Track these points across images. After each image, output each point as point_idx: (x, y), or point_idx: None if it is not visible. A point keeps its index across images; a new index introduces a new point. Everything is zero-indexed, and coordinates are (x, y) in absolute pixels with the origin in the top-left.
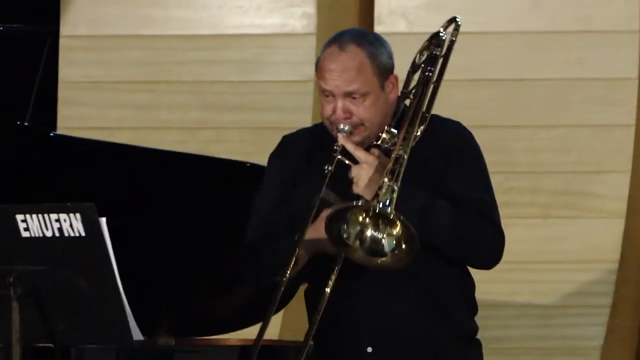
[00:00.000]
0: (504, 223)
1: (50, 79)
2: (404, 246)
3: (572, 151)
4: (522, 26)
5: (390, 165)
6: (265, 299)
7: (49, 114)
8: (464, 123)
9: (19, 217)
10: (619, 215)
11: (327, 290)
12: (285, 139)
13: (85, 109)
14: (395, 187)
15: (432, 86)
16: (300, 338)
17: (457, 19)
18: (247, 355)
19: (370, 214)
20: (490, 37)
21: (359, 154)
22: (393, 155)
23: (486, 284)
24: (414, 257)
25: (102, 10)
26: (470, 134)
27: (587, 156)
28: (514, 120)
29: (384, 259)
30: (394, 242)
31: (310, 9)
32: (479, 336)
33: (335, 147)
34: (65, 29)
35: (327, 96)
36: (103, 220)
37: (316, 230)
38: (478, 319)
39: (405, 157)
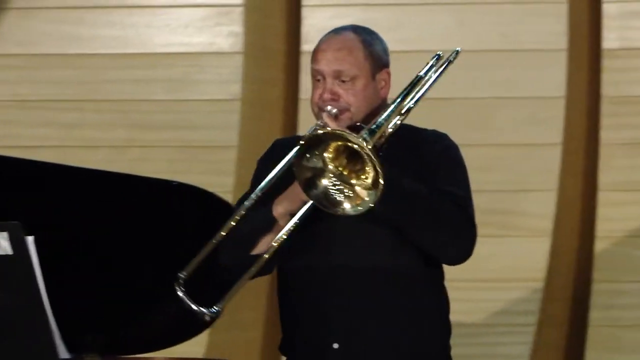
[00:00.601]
0: None
1: None
2: (369, 192)
3: (499, 170)
4: (448, 45)
5: (369, 126)
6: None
7: None
8: None
9: None
10: (545, 233)
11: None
12: (276, 142)
13: (12, 127)
14: (369, 139)
15: (419, 86)
16: (227, 356)
17: (458, 49)
18: None
19: (343, 150)
20: (417, 56)
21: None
22: (373, 121)
23: None
24: (378, 201)
25: (30, 29)
26: (451, 139)
27: (514, 175)
28: None
29: (348, 200)
30: (362, 186)
31: (238, 28)
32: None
33: (318, 123)
34: None
35: (318, 80)
36: (30, 239)
37: (292, 191)
38: None
39: (383, 122)
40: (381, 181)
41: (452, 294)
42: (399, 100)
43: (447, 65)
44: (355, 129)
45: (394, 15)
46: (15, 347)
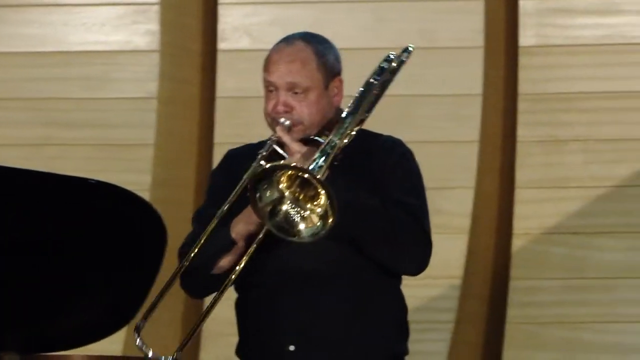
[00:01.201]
0: None
1: None
2: (324, 219)
3: None
4: (366, 42)
5: (322, 146)
6: (114, 315)
7: None
8: None
9: None
10: (462, 231)
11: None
12: (229, 153)
13: None
14: (324, 163)
15: (374, 93)
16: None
17: (410, 47)
18: None
19: (297, 178)
20: None
21: (294, 145)
22: (326, 139)
23: None
24: (332, 230)
25: None
26: (406, 146)
27: (432, 172)
28: None
29: (302, 229)
30: (316, 212)
31: (154, 26)
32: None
33: (271, 137)
34: None
35: (271, 91)
36: None
37: (247, 213)
38: None
39: (337, 142)
40: (333, 212)
41: None
42: (352, 112)
43: (401, 65)
44: (309, 142)
45: (312, 13)
46: None
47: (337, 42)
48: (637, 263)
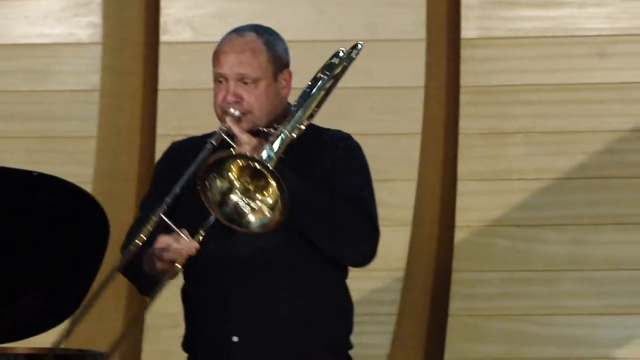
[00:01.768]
0: None
1: None
2: (274, 210)
3: None
4: (309, 35)
5: (272, 138)
6: (57, 307)
7: None
8: None
9: None
10: (405, 223)
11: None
12: (173, 145)
13: None
14: (274, 154)
15: (323, 88)
16: (88, 346)
17: (359, 44)
18: None
19: (247, 168)
20: None
21: (244, 136)
22: (276, 131)
23: None
24: (283, 220)
25: None
26: (354, 140)
27: (374, 164)
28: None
29: (251, 220)
30: (266, 203)
31: (96, 19)
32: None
33: (220, 127)
34: None
35: (220, 82)
36: None
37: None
38: None
39: (287, 133)
40: (284, 203)
41: None
42: (303, 106)
43: (350, 62)
44: (257, 133)
45: (255, 5)
46: None
47: (281, 35)
48: (581, 256)
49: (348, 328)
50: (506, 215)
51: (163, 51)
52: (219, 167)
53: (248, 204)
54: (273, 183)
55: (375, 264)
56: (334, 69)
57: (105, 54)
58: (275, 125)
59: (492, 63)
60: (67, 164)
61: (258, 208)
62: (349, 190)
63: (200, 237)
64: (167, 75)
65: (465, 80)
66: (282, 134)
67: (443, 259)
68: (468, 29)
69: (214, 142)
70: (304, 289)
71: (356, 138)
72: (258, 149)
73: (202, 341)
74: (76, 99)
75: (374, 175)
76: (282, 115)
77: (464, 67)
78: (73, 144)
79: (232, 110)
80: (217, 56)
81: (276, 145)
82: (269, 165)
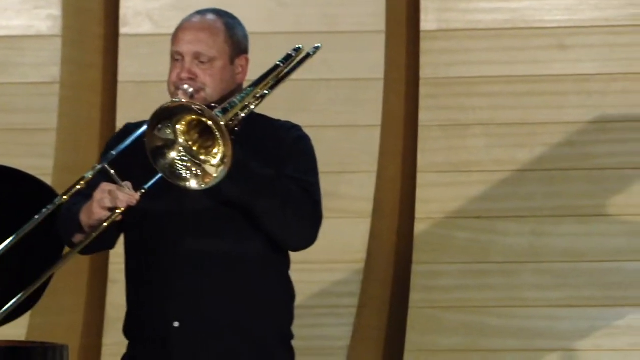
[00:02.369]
0: None
1: None
2: (217, 168)
3: (318, 152)
4: (267, 27)
5: (223, 105)
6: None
7: None
8: None
9: None
10: (365, 215)
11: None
12: (127, 125)
13: None
14: (222, 116)
15: (277, 74)
16: (48, 339)
17: (318, 45)
18: None
19: (195, 125)
20: None
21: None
22: (227, 101)
23: None
24: (225, 178)
25: None
26: (303, 130)
27: (333, 157)
28: None
29: (194, 178)
30: (210, 162)
31: (56, 11)
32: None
33: (173, 100)
34: None
35: (177, 60)
36: None
37: (89, 207)
38: None
39: (237, 102)
40: (229, 157)
41: None
42: (254, 84)
43: (306, 59)
44: (208, 107)
45: None
46: None
47: None
48: (540, 247)
49: (290, 318)
50: (466, 207)
51: (123, 43)
52: (170, 117)
53: (188, 163)
54: (219, 141)
55: (335, 256)
56: (289, 60)
57: (65, 46)
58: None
59: (451, 55)
60: (27, 156)
61: (200, 168)
62: (295, 174)
63: (142, 192)
64: (127, 68)
65: (425, 72)
66: (232, 102)
67: (403, 251)
68: (428, 21)
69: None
70: (246, 278)
71: (315, 130)
72: None
73: (143, 326)
74: (36, 92)
75: (333, 167)
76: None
77: (424, 60)
78: (33, 137)
79: (185, 86)
80: (175, 34)
81: (225, 110)
82: (219, 120)
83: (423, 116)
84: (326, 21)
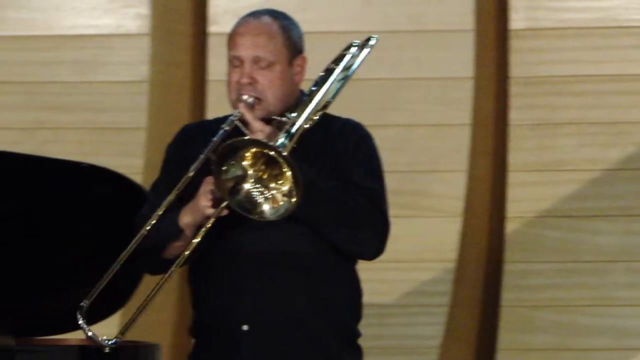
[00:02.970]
0: None
1: None
2: (287, 199)
3: (408, 151)
4: (354, 26)
5: (286, 127)
6: (109, 299)
7: None
8: None
9: None
10: (455, 214)
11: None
12: (184, 128)
13: None
14: (288, 142)
15: (336, 79)
16: (140, 338)
17: (373, 37)
18: (87, 355)
19: (261, 156)
20: (323, 37)
21: (257, 123)
22: (290, 120)
23: None
24: (296, 209)
25: None
26: (365, 129)
27: (423, 156)
28: None
29: (265, 209)
30: (280, 191)
31: (144, 10)
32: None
33: (235, 114)
34: None
35: (236, 66)
36: None
37: (195, 204)
38: None
39: (301, 123)
40: (298, 191)
41: (364, 275)
42: (318, 98)
43: (366, 55)
44: (270, 121)
45: None
46: None
47: (325, 26)
48: (631, 246)
49: (357, 317)
50: (557, 206)
51: (211, 42)
52: (233, 154)
53: (261, 193)
54: (287, 171)
55: (426, 255)
56: (346, 61)
57: (153, 45)
58: (287, 114)
59: (541, 54)
60: (116, 155)
61: (271, 197)
62: (359, 181)
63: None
64: (216, 66)
65: (515, 71)
66: (296, 124)
67: (494, 250)
68: (517, 20)
69: (227, 128)
70: (314, 279)
71: (405, 129)
72: (271, 137)
73: (211, 328)
74: (125, 90)
75: (424, 166)
76: (294, 103)
77: (513, 58)
78: (123, 135)
79: (245, 96)
80: (232, 38)
81: (290, 134)
82: (283, 152)
83: (513, 115)
84: (414, 20)
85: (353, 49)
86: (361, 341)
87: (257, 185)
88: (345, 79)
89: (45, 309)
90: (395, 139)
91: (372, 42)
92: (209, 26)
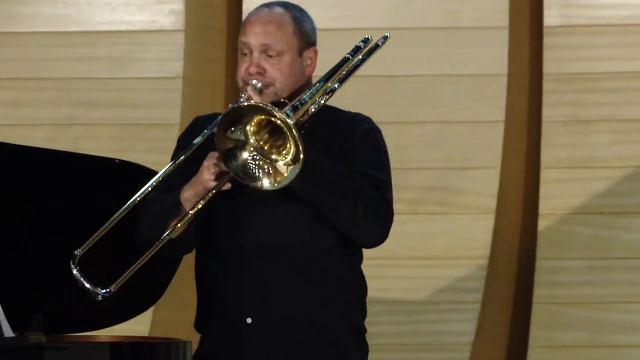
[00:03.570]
0: None
1: None
2: (289, 168)
3: (441, 147)
4: (390, 22)
5: (292, 102)
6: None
7: None
8: None
9: None
10: (488, 211)
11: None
12: (196, 119)
13: None
14: (292, 114)
15: (346, 67)
16: (171, 334)
17: (387, 35)
18: (118, 352)
19: (265, 125)
20: (358, 34)
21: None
22: (297, 98)
23: None
24: (297, 177)
25: None
26: (374, 122)
27: (456, 152)
28: (383, 117)
29: (267, 176)
30: (283, 161)
31: (178, 6)
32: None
33: (242, 96)
34: None
35: (245, 54)
36: None
37: (196, 179)
38: None
39: (307, 100)
40: (301, 157)
41: (396, 272)
42: (324, 79)
43: (375, 50)
44: (278, 104)
45: None
46: None
47: (361, 22)
48: None
49: (363, 312)
50: (589, 203)
51: None
52: (239, 119)
53: (260, 163)
54: (290, 140)
55: (458, 252)
56: (357, 52)
57: (187, 41)
58: (295, 102)
59: (574, 51)
60: (149, 151)
61: (272, 167)
62: (366, 169)
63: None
64: None
65: (548, 68)
66: (302, 100)
67: (526, 247)
68: (551, 17)
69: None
70: (318, 273)
71: (439, 126)
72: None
73: (215, 322)
74: (158, 87)
75: (456, 163)
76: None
77: (547, 55)
78: (156, 132)
79: (254, 81)
80: (243, 26)
81: (295, 108)
82: (289, 120)
83: (547, 112)
84: (449, 17)
85: (368, 42)
86: (393, 338)
87: (257, 156)
88: (353, 69)
89: (76, 305)
90: (429, 136)
91: (385, 39)
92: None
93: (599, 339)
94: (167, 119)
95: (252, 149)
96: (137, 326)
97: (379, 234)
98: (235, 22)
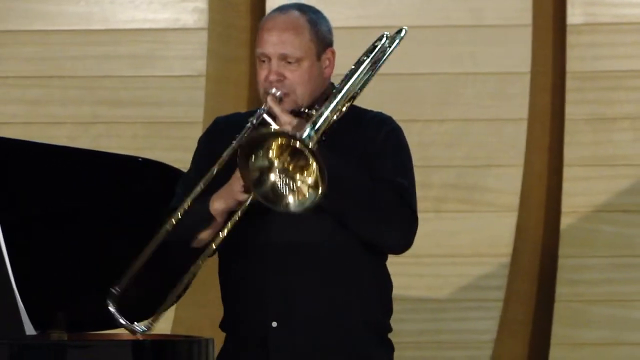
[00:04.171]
0: None
1: None
2: (313, 190)
3: (464, 145)
4: (413, 20)
5: (313, 118)
6: (160, 288)
7: None
8: None
9: None
10: (511, 209)
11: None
12: (217, 120)
13: None
14: (314, 134)
15: (364, 70)
16: (193, 332)
17: (404, 29)
18: (140, 350)
19: (287, 147)
20: (381, 32)
21: (285, 116)
22: (317, 111)
23: None
24: (322, 201)
25: None
26: (395, 122)
27: (480, 150)
28: (406, 115)
29: (290, 200)
30: (306, 183)
31: (202, 4)
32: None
33: (263, 108)
34: None
35: (263, 61)
36: None
37: (228, 189)
38: None
39: (328, 115)
40: (324, 183)
41: (418, 270)
42: (345, 89)
43: (394, 47)
44: (299, 114)
45: None
46: None
47: (385, 20)
48: None
49: (388, 311)
50: (612, 200)
51: None
52: (259, 145)
53: (287, 185)
54: (313, 162)
55: (481, 249)
56: (375, 52)
57: (211, 39)
58: (316, 107)
59: (598, 49)
60: (172, 149)
61: (297, 188)
62: (388, 174)
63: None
64: None
65: (572, 66)
66: (323, 115)
67: (549, 245)
68: (574, 15)
69: (254, 122)
70: (344, 275)
71: (462, 124)
72: (299, 129)
73: (241, 324)
74: (182, 85)
75: (479, 160)
76: (324, 95)
77: (570, 53)
78: (179, 130)
79: (273, 90)
80: (260, 35)
81: (317, 126)
82: (309, 144)
83: (570, 110)
84: (473, 15)
85: (383, 40)
86: (415, 336)
87: (283, 177)
88: (373, 70)
89: (99, 303)
90: (452, 134)
91: (402, 34)
92: None
93: (622, 336)
94: (190, 117)
95: (277, 171)
96: (159, 324)
97: (404, 243)
98: (259, 21)
